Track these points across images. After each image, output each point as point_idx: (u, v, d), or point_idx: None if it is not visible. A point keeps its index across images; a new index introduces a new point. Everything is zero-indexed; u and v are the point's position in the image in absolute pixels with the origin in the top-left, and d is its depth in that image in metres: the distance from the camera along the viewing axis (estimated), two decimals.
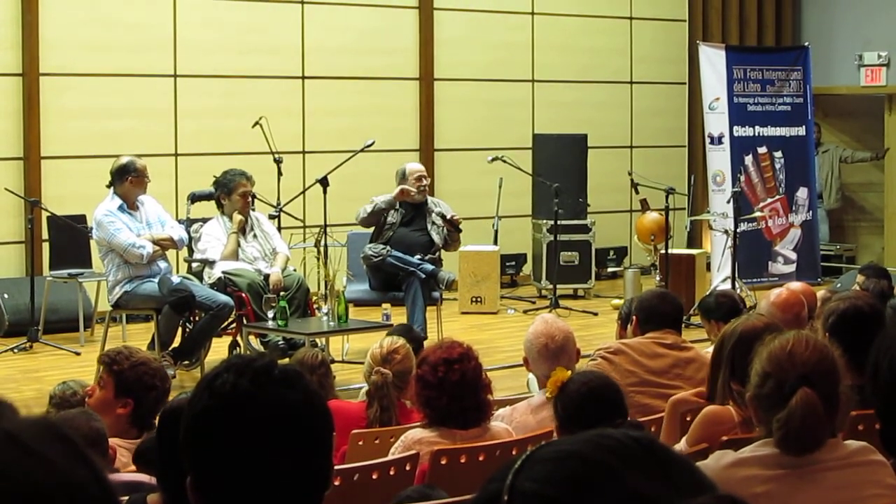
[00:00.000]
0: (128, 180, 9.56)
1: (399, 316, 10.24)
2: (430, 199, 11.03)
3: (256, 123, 11.43)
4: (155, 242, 9.54)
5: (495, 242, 13.40)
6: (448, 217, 10.76)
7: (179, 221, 10.17)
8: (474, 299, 12.70)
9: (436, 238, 10.74)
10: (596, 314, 12.52)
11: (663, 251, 12.48)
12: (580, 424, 4.07)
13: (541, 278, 13.61)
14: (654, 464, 1.33)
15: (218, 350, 9.77)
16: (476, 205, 13.80)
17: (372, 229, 10.75)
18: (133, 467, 4.26)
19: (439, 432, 4.82)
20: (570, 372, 4.35)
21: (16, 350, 10.54)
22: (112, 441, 4.54)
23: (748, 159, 14.13)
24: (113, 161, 9.79)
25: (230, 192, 9.99)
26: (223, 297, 9.44)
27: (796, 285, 6.75)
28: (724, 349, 4.65)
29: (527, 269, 14.40)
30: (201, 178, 10.99)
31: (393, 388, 5.54)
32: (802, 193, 14.51)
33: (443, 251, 10.91)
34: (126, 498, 3.23)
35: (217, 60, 12.81)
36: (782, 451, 3.24)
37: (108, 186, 9.65)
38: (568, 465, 1.32)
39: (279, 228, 10.66)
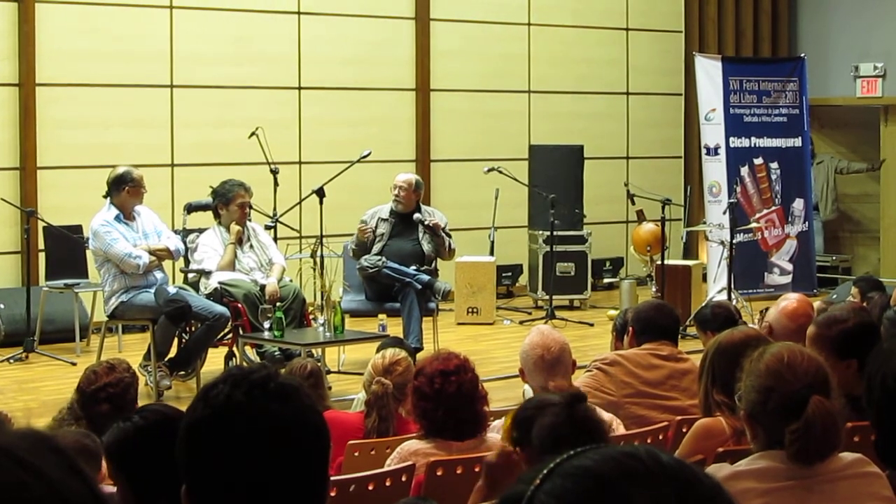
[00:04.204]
0: (124, 190, 9.56)
1: (395, 327, 10.24)
2: (424, 208, 11.03)
3: (253, 134, 11.43)
4: (151, 253, 9.54)
5: (491, 253, 13.41)
6: (425, 223, 10.75)
7: (176, 232, 10.17)
8: (470, 310, 12.69)
9: (426, 248, 10.74)
10: (592, 325, 12.52)
11: (659, 262, 12.49)
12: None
13: (537, 289, 13.62)
14: (672, 490, 1.32)
15: (214, 360, 9.78)
16: (472, 215, 13.81)
17: None
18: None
19: (435, 444, 4.82)
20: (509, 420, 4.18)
21: (12, 360, 10.52)
22: None
23: (744, 170, 14.14)
24: (109, 171, 9.79)
25: (228, 202, 9.99)
26: (219, 308, 9.44)
27: (796, 296, 6.74)
28: (704, 361, 4.68)
29: (523, 279, 14.40)
30: (198, 188, 11.00)
31: (392, 399, 5.54)
32: (798, 204, 14.52)
33: (440, 260, 10.92)
34: None
35: (213, 71, 12.81)
36: (797, 463, 3.24)
37: (105, 196, 9.64)
38: (582, 485, 1.32)
39: (275, 239, 10.67)
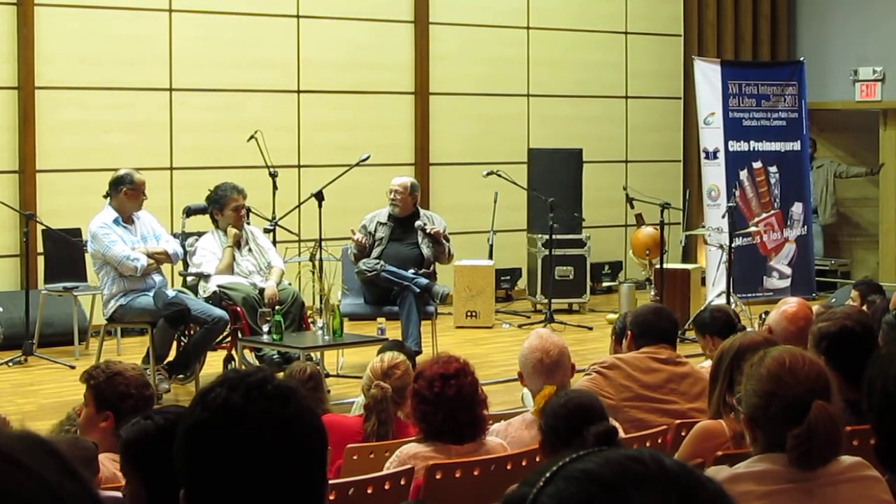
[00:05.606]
0: (122, 192, 9.55)
1: (394, 330, 10.23)
2: (423, 212, 11.03)
3: (252, 137, 11.44)
4: (150, 256, 9.53)
5: (490, 257, 13.40)
6: (426, 230, 10.75)
7: (174, 235, 10.16)
8: (469, 313, 12.69)
9: (426, 252, 10.74)
10: (591, 329, 12.52)
11: (658, 266, 12.48)
12: (559, 437, 4.09)
13: (536, 293, 13.61)
14: (675, 494, 1.31)
15: (213, 364, 9.77)
16: (471, 219, 13.81)
17: None
18: (116, 482, 4.25)
19: (434, 447, 4.82)
20: (554, 387, 4.35)
21: (11, 363, 10.52)
22: (102, 456, 4.51)
23: (743, 174, 14.15)
24: (108, 174, 9.79)
25: (222, 207, 9.99)
26: (218, 311, 9.43)
27: (797, 300, 6.75)
28: (721, 364, 4.67)
29: (522, 283, 14.40)
30: (196, 191, 11.00)
31: (391, 403, 5.54)
32: (797, 208, 14.52)
33: (438, 264, 10.92)
34: None
35: (213, 74, 12.82)
36: (799, 467, 3.23)
37: (105, 197, 9.65)
38: (585, 489, 1.31)
39: (274, 242, 10.66)
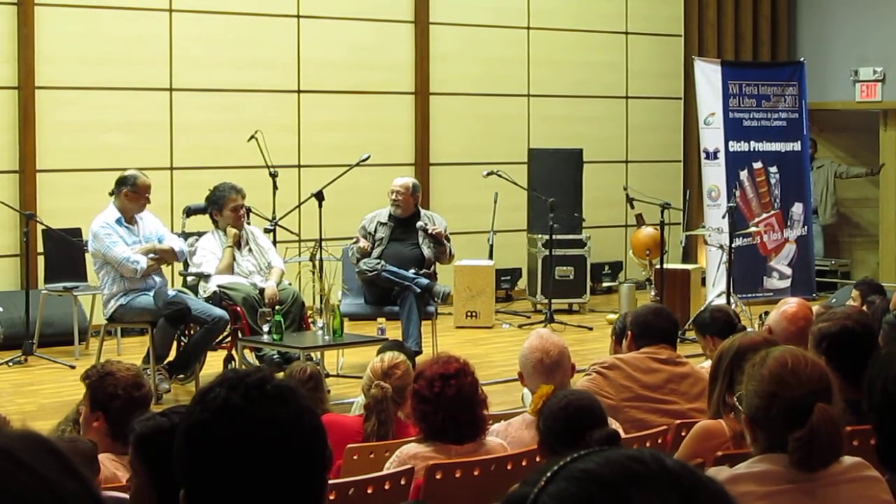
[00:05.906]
0: (123, 193, 9.56)
1: (394, 330, 10.23)
2: (423, 212, 11.03)
3: (252, 137, 11.43)
4: (156, 252, 9.54)
5: (490, 257, 13.40)
6: (428, 231, 10.76)
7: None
8: (469, 314, 12.69)
9: (426, 252, 10.74)
10: (591, 329, 12.51)
11: (658, 266, 12.48)
12: (559, 439, 4.10)
13: (536, 293, 13.61)
14: (676, 495, 1.31)
15: (213, 364, 9.77)
16: (471, 219, 13.81)
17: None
18: (115, 482, 4.25)
19: (434, 447, 4.82)
20: (552, 387, 4.36)
21: (11, 363, 10.52)
22: (101, 456, 4.51)
23: (743, 174, 14.15)
24: (108, 174, 9.80)
25: (221, 207, 10.00)
26: (218, 311, 9.43)
27: (797, 300, 6.75)
28: (721, 363, 4.67)
29: (522, 283, 14.40)
30: (197, 191, 11.00)
31: (391, 403, 5.54)
32: (797, 209, 14.52)
33: (438, 264, 10.92)
34: None
35: (213, 74, 12.81)
36: (800, 469, 3.23)
37: (111, 195, 9.67)
38: (586, 488, 1.31)
39: (274, 242, 10.66)
